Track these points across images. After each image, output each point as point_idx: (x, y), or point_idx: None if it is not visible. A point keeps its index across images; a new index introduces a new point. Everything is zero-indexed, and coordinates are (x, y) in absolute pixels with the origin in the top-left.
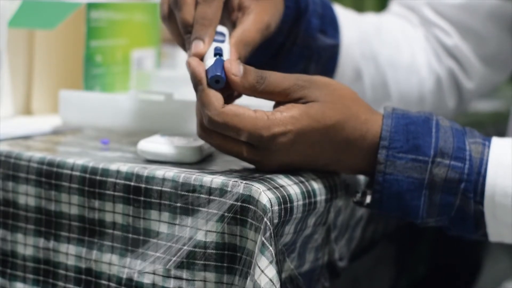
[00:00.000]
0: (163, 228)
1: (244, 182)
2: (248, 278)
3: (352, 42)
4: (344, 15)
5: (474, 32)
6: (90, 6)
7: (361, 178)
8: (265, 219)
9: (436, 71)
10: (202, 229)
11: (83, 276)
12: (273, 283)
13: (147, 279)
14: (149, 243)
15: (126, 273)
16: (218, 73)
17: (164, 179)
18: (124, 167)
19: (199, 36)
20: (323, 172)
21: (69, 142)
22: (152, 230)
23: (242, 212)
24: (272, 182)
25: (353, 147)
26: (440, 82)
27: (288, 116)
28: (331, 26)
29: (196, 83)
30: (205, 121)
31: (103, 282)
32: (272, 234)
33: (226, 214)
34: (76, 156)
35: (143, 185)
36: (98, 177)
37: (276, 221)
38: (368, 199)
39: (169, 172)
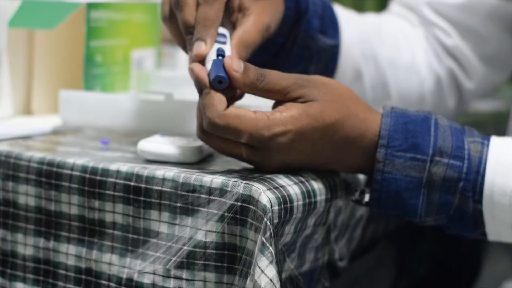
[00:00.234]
0: (163, 228)
1: (244, 182)
2: (248, 278)
3: (352, 42)
4: (344, 16)
5: (474, 32)
6: (90, 6)
7: (361, 177)
8: (265, 219)
9: (436, 71)
10: (202, 229)
11: (83, 276)
12: (273, 283)
13: (147, 279)
14: (149, 243)
15: (126, 273)
16: (221, 74)
17: (164, 179)
18: (124, 167)
19: (201, 37)
20: (323, 172)
21: (69, 142)
22: (152, 230)
23: (242, 212)
24: (272, 182)
25: (352, 145)
26: (440, 82)
27: (288, 116)
28: (331, 26)
29: (201, 87)
30: (204, 124)
31: (103, 282)
32: (272, 234)
33: (226, 214)
34: (76, 156)
35: (143, 185)
36: (98, 177)
37: (276, 221)
38: (367, 197)
39: (169, 172)
